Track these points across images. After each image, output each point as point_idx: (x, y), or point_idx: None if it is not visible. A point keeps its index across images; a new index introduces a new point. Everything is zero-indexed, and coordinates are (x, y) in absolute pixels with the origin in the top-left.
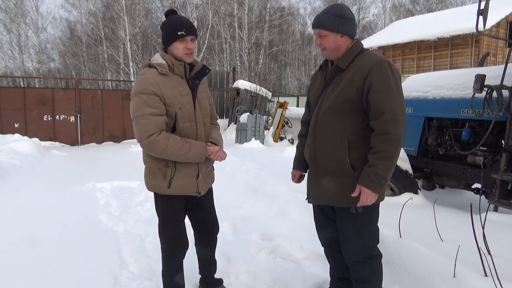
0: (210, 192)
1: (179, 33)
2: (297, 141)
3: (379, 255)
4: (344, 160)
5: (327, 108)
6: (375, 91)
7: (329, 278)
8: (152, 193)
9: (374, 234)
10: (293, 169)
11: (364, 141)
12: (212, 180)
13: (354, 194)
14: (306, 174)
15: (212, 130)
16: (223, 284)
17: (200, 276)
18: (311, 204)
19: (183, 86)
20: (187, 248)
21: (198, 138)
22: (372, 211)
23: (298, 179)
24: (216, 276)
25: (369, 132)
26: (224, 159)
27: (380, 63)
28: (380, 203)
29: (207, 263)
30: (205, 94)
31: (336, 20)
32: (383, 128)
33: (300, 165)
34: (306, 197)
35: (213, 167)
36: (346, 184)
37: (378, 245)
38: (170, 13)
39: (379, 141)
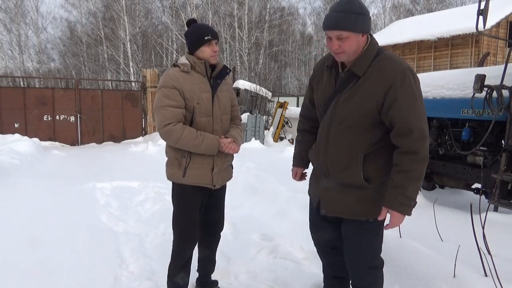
0: (223, 190)
1: (206, 38)
2: (297, 136)
3: (381, 264)
4: (358, 174)
5: (342, 120)
6: (400, 108)
7: None
8: (153, 193)
9: (378, 243)
10: (294, 166)
11: (380, 153)
12: (228, 176)
13: (380, 218)
14: (309, 176)
15: (232, 128)
16: (222, 284)
17: (197, 275)
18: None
19: (204, 83)
20: (195, 244)
21: (214, 132)
22: (381, 221)
23: (300, 177)
24: (216, 276)
25: (384, 144)
26: (235, 151)
27: (404, 74)
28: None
29: (207, 262)
30: (227, 94)
31: (359, 18)
32: (412, 147)
33: (302, 162)
34: (307, 197)
35: (231, 165)
36: (361, 197)
37: None
38: (192, 22)
39: (407, 160)
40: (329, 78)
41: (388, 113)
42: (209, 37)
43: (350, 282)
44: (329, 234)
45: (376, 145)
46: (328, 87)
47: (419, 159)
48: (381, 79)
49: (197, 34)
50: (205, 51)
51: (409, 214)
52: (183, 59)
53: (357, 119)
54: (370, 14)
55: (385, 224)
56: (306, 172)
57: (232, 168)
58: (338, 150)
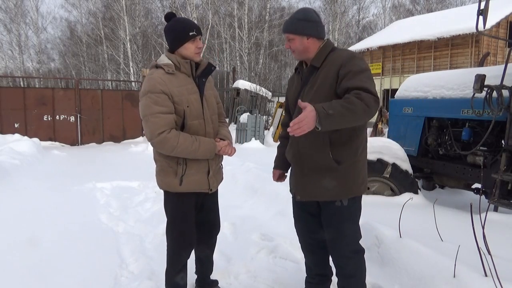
0: (215, 191)
1: (190, 33)
2: (279, 143)
3: (363, 250)
4: (328, 157)
5: None
6: (352, 77)
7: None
8: (154, 193)
9: (357, 228)
10: (274, 168)
11: (346, 136)
12: (221, 177)
13: (301, 105)
14: (289, 173)
15: (220, 127)
16: (222, 284)
17: (196, 276)
18: None
19: (190, 84)
20: (192, 248)
21: (207, 135)
22: (355, 204)
23: (277, 177)
24: (216, 276)
25: (351, 127)
26: (232, 153)
27: (352, 56)
28: (379, 202)
29: (205, 263)
30: (211, 92)
31: (300, 23)
32: (356, 92)
33: (280, 165)
34: (293, 195)
35: (221, 165)
36: (331, 179)
37: (377, 245)
38: (171, 16)
39: (350, 95)
40: (297, 79)
41: (342, 84)
42: (194, 32)
43: (335, 272)
44: (313, 227)
45: (343, 129)
46: (297, 85)
47: (359, 97)
48: (334, 64)
49: (181, 30)
50: (189, 48)
51: (320, 119)
52: (164, 59)
53: (319, 103)
54: (370, 14)
55: None
56: (284, 174)
57: (222, 167)
58: (307, 135)
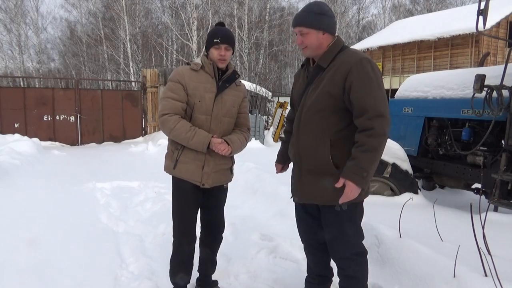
0: (222, 191)
1: (214, 40)
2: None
3: (365, 251)
4: (327, 159)
5: (309, 107)
6: (356, 90)
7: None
8: (153, 193)
9: (358, 230)
10: (276, 162)
11: (347, 139)
12: (223, 178)
13: (338, 185)
14: (290, 171)
15: (234, 132)
16: (222, 284)
17: (197, 275)
18: None
19: (210, 84)
20: (190, 239)
21: (210, 131)
22: (356, 209)
23: (280, 170)
24: (216, 276)
25: (352, 131)
26: (224, 152)
27: (361, 61)
28: (379, 202)
29: (207, 262)
30: (234, 98)
31: (317, 17)
32: (367, 124)
33: (282, 159)
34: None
35: (231, 169)
36: (330, 183)
37: (377, 245)
38: (218, 24)
39: (363, 136)
40: (303, 76)
41: (349, 97)
42: (218, 40)
43: (337, 272)
44: (315, 229)
45: (343, 131)
46: (302, 83)
47: (373, 134)
48: (341, 68)
49: (210, 35)
50: (213, 53)
51: (362, 185)
52: (197, 59)
53: (322, 105)
54: (370, 14)
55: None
56: (286, 167)
57: (231, 173)
58: (307, 136)
